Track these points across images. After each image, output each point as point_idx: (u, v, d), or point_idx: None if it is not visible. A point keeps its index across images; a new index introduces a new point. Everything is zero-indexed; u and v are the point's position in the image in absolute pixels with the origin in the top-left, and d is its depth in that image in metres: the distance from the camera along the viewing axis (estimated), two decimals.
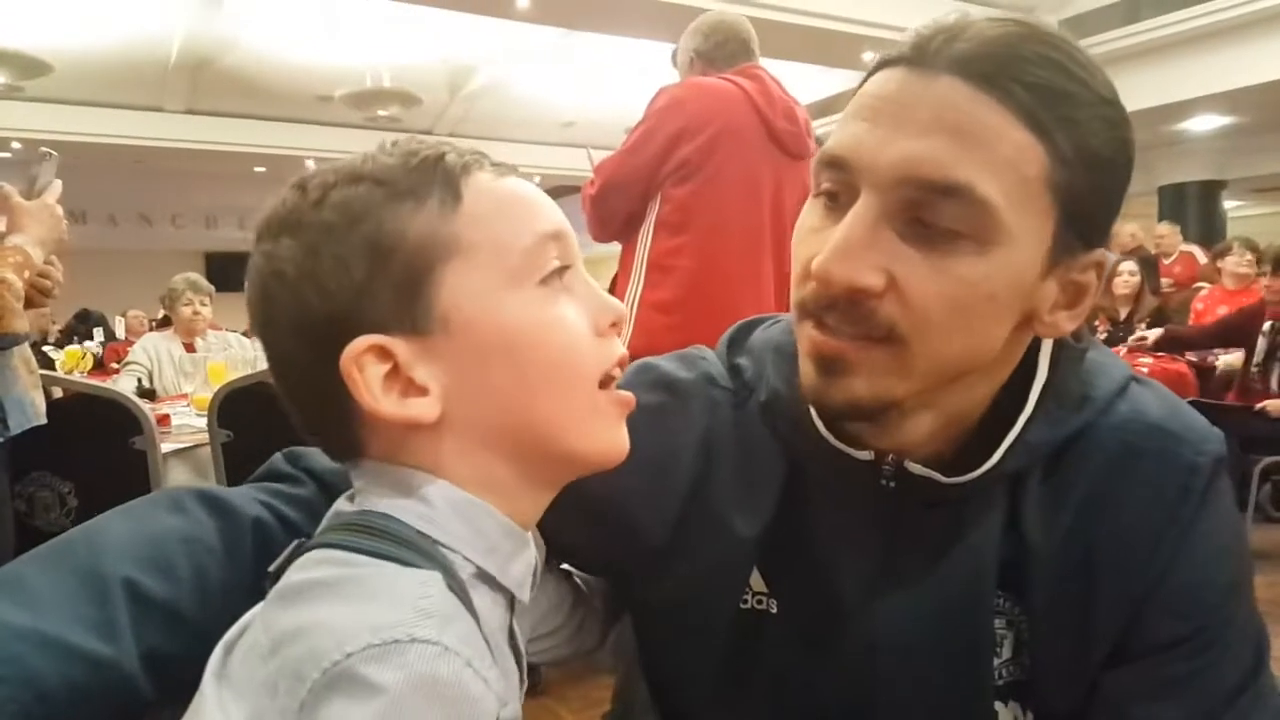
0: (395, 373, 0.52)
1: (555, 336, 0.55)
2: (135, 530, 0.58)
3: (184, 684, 0.56)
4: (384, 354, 0.51)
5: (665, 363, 0.77)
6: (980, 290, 0.57)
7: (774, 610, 0.72)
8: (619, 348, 0.59)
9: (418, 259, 0.51)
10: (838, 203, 0.61)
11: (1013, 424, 0.65)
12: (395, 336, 0.51)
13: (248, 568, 0.60)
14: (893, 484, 0.67)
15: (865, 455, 0.67)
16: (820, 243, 0.59)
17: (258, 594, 0.55)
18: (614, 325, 0.59)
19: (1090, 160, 0.58)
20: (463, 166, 0.55)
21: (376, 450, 0.54)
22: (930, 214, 0.57)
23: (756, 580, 0.72)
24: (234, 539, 0.61)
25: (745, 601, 0.73)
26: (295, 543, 0.54)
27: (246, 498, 0.64)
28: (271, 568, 0.53)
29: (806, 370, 0.63)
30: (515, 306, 0.54)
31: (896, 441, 0.66)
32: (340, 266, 0.51)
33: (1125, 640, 0.65)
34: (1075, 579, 0.65)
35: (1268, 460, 3.75)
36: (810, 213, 0.63)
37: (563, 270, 0.56)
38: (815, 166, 0.62)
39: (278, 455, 0.70)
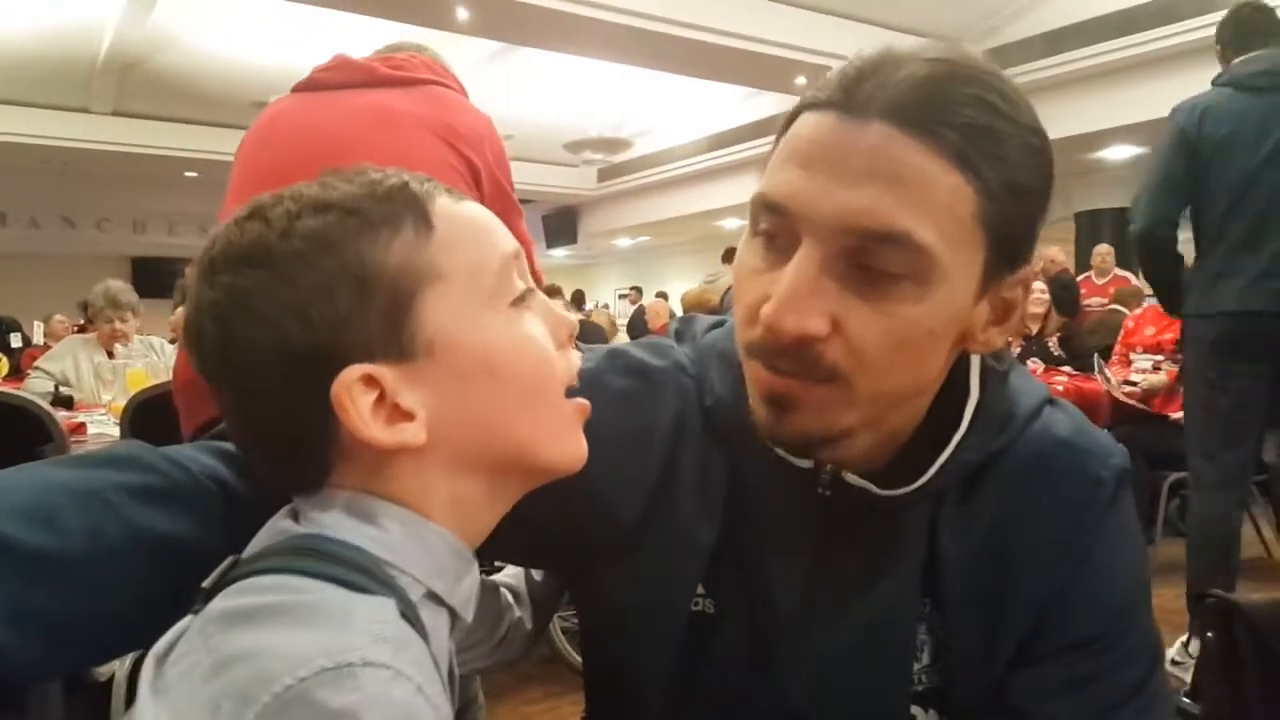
0: (381, 400, 0.52)
1: (531, 352, 0.58)
2: (23, 482, 0.55)
3: (73, 644, 0.54)
4: (371, 382, 0.52)
5: (635, 350, 0.79)
6: (921, 327, 0.60)
7: (711, 610, 0.73)
8: (577, 359, 0.62)
9: (400, 287, 0.53)
10: (776, 244, 0.62)
11: (945, 440, 0.68)
12: (381, 364, 0.52)
13: (174, 524, 0.58)
14: (828, 492, 0.70)
15: (804, 464, 0.70)
16: (762, 285, 0.61)
17: (181, 555, 0.55)
18: (570, 337, 0.62)
19: (1017, 191, 0.60)
20: (425, 194, 0.56)
21: (347, 477, 0.55)
22: (870, 259, 0.58)
23: None
24: (165, 493, 0.59)
25: (695, 604, 0.74)
26: (230, 559, 0.54)
27: (193, 456, 0.63)
28: (205, 583, 0.52)
29: (759, 408, 0.65)
30: (494, 327, 0.56)
31: (836, 457, 0.68)
32: (322, 297, 0.51)
33: (1030, 643, 0.68)
34: (986, 588, 0.69)
35: (1176, 476, 3.90)
36: (749, 253, 0.64)
37: (528, 292, 0.59)
38: (753, 207, 0.63)
39: None
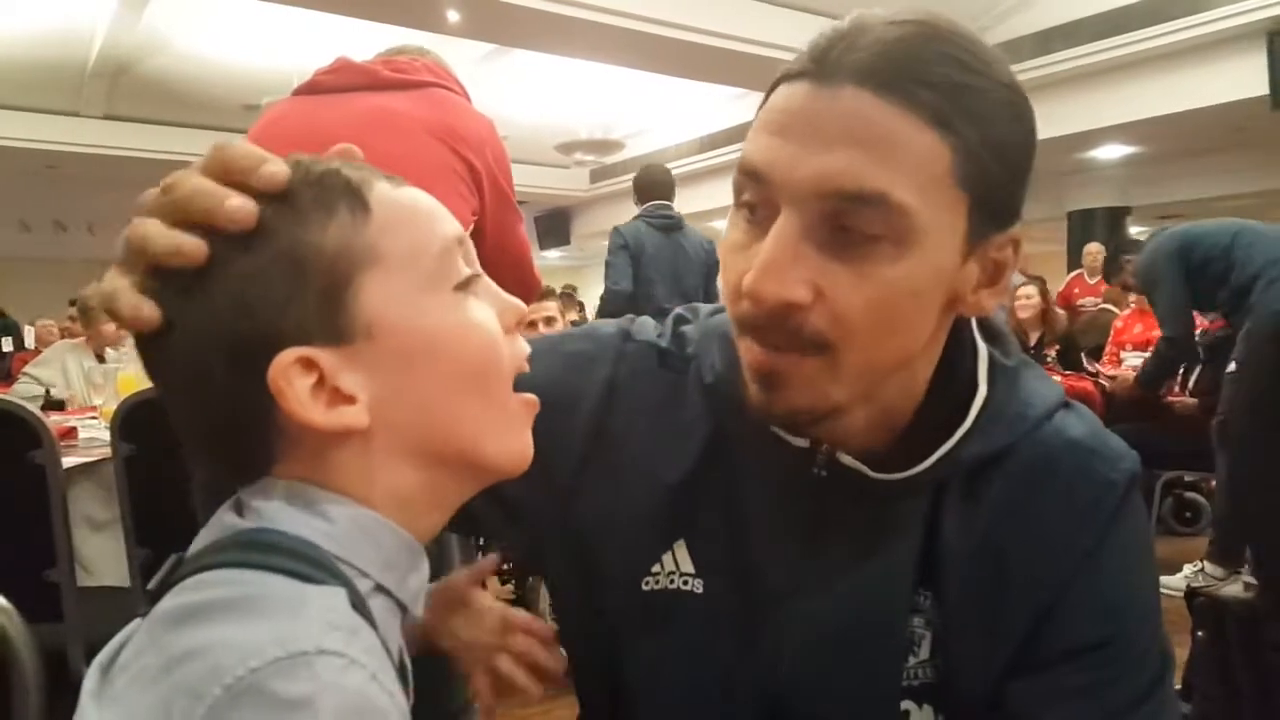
0: (321, 383, 0.52)
1: (476, 337, 0.57)
2: None
3: None
4: (310, 365, 0.51)
5: (602, 321, 0.82)
6: (903, 288, 0.59)
7: (699, 591, 0.72)
8: (525, 345, 0.62)
9: (336, 270, 0.52)
10: (756, 215, 0.62)
11: (948, 432, 0.68)
12: (319, 347, 0.51)
13: None
14: (824, 473, 0.69)
15: (801, 443, 0.70)
16: (746, 260, 0.61)
17: None
18: (517, 323, 0.61)
19: (996, 148, 0.60)
20: (360, 179, 0.55)
21: (292, 466, 0.54)
22: (849, 221, 0.58)
23: (684, 559, 0.73)
24: None
25: (672, 581, 0.73)
26: (173, 558, 0.53)
27: None
28: (151, 585, 0.51)
29: (751, 386, 0.65)
30: (435, 310, 0.55)
31: (833, 433, 0.68)
32: (259, 283, 0.51)
33: (1032, 648, 0.67)
34: (987, 583, 0.68)
35: (1169, 475, 3.93)
36: (734, 227, 0.65)
37: (473, 278, 0.58)
38: (736, 177, 0.63)
39: None
